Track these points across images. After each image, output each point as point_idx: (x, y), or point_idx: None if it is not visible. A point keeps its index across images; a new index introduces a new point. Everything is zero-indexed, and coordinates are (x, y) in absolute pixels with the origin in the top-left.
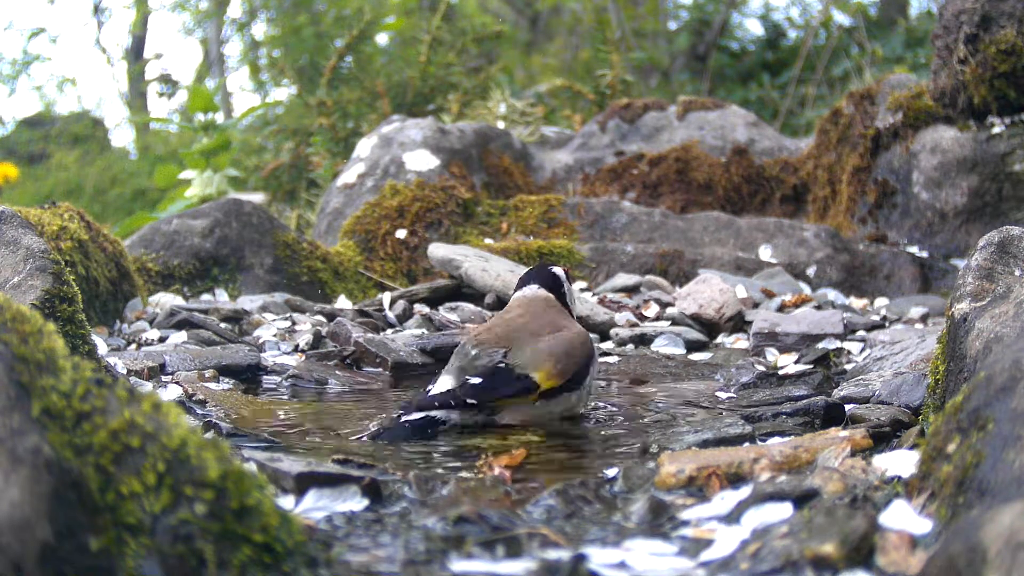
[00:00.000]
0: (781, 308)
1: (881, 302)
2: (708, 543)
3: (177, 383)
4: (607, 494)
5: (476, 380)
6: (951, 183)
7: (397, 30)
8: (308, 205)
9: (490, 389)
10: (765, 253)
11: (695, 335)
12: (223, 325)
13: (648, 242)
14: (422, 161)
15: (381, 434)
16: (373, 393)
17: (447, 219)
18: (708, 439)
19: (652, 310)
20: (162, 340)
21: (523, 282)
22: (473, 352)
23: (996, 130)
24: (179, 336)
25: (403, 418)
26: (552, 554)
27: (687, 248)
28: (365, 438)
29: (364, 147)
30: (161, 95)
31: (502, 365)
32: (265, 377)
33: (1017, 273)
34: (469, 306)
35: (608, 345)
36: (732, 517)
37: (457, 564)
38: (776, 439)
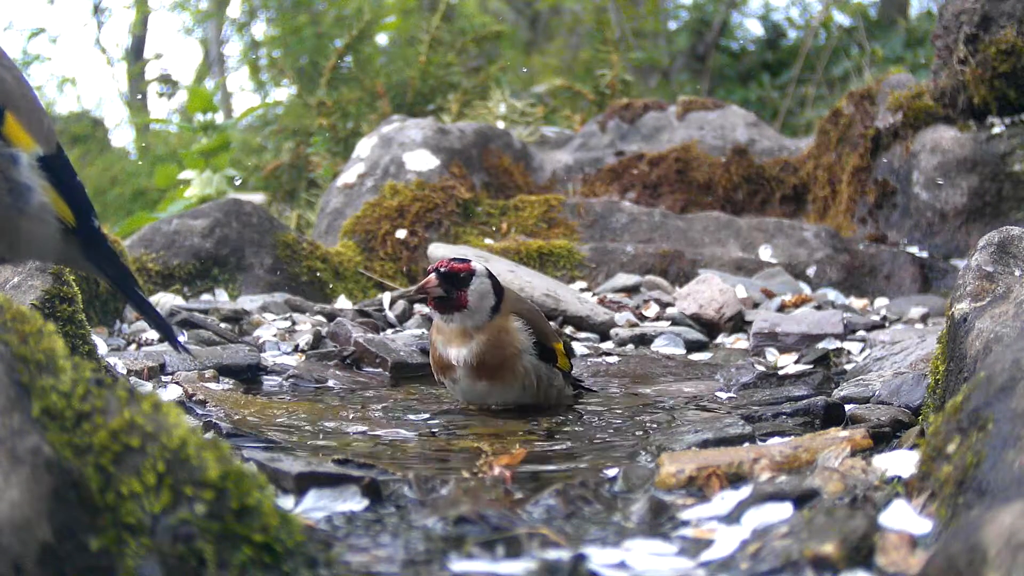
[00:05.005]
0: (781, 308)
1: (881, 302)
2: (708, 543)
3: (177, 383)
4: (607, 494)
5: None
6: (951, 183)
7: (396, 30)
8: (308, 205)
9: None
10: (765, 253)
11: (695, 335)
12: (223, 325)
13: (648, 242)
14: (422, 161)
15: None
16: (373, 392)
17: (447, 219)
18: (708, 439)
19: (652, 310)
20: (162, 340)
21: None
22: None
23: (996, 130)
24: (179, 336)
25: None
26: (552, 554)
27: (687, 248)
28: None
29: (364, 147)
30: (161, 95)
31: None
32: (265, 377)
33: (1017, 273)
34: None
35: (608, 345)
36: (732, 517)
37: (457, 564)
38: (776, 439)
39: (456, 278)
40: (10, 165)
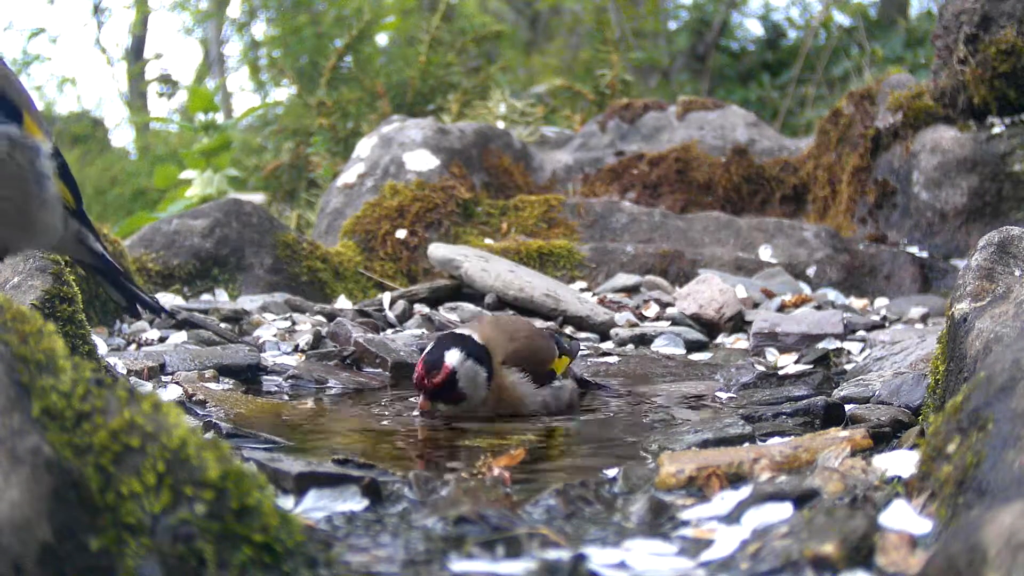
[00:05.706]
0: (781, 308)
1: (881, 302)
2: (708, 543)
3: (177, 383)
4: (607, 494)
5: None
6: (951, 183)
7: (396, 30)
8: (308, 205)
9: None
10: (765, 253)
11: (695, 335)
12: (223, 325)
13: (648, 242)
14: (422, 161)
15: None
16: (373, 393)
17: (447, 219)
18: (708, 439)
19: (652, 310)
20: (162, 340)
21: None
22: None
23: (996, 130)
24: (179, 336)
25: None
26: (552, 554)
27: (687, 248)
28: None
29: (364, 147)
30: (161, 95)
31: None
32: (265, 377)
33: (1017, 273)
34: (469, 306)
35: (608, 345)
36: (732, 517)
37: (457, 564)
38: (776, 439)
39: (442, 390)
40: (36, 157)
